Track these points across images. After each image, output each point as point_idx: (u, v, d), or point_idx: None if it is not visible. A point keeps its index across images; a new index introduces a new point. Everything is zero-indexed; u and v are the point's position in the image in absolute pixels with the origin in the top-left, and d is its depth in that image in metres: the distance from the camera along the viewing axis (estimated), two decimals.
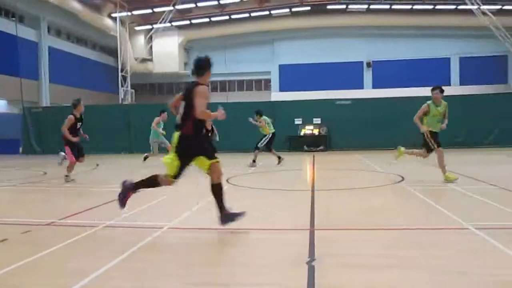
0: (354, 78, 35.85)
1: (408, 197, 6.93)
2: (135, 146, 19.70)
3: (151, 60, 36.69)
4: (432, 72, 34.38)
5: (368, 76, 36.45)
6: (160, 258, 3.87)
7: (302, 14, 34.60)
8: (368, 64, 36.03)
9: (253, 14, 34.52)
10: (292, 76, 35.79)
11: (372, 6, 33.35)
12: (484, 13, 30.32)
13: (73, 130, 9.25)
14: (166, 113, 12.89)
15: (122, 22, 32.00)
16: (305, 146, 20.02)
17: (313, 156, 16.55)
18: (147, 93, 38.99)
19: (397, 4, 32.97)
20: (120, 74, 31.45)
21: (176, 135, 4.76)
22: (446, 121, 8.32)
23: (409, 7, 33.19)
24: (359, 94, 28.51)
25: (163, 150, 12.98)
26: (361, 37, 35.61)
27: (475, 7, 29.82)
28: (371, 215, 5.66)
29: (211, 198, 4.78)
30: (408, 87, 31.72)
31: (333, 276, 3.29)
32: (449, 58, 35.60)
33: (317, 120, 20.50)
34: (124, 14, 31.59)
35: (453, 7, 32.60)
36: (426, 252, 3.84)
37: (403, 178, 8.83)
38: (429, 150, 8.28)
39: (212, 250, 4.27)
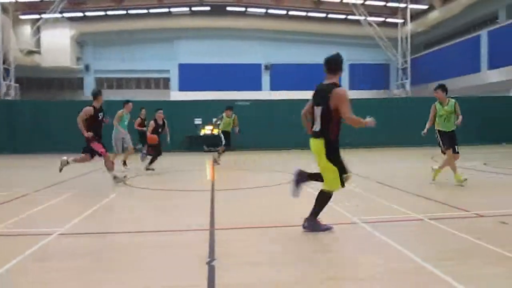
0: (253, 80, 36.70)
1: (303, 195, 7.25)
2: (20, 145, 18.08)
3: (39, 52, 33.81)
4: None
5: (266, 78, 37.54)
6: (50, 265, 3.59)
7: (202, 14, 34.52)
8: (267, 67, 37.10)
9: (152, 11, 33.56)
10: (192, 75, 35.52)
11: (270, 11, 34.45)
12: (370, 24, 33.11)
13: (94, 122, 8.19)
14: (131, 103, 11.58)
15: (4, 8, 29.08)
16: (204, 146, 19.98)
17: (213, 156, 16.57)
18: (35, 88, 35.90)
19: (293, 10, 34.47)
20: (1, 66, 28.55)
21: (319, 142, 4.45)
22: (460, 118, 7.84)
23: (304, 14, 34.93)
24: (258, 96, 29.34)
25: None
26: (260, 40, 36.58)
27: (362, 18, 32.42)
28: (269, 213, 5.84)
29: (103, 203, 4.54)
30: (305, 90, 33.28)
31: (233, 274, 3.32)
32: None
33: (217, 121, 20.58)
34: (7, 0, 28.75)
35: (343, 16, 35.00)
36: (320, 247, 4.06)
37: None
38: (453, 150, 7.84)
39: (108, 255, 4.05)
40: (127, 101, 11.75)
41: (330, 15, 35.24)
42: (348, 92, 4.69)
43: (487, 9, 29.63)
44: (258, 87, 36.65)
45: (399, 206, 5.78)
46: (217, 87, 33.21)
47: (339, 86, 4.54)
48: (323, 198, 4.62)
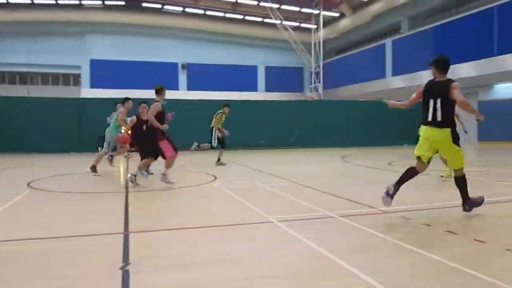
0: (169, 79, 36.03)
1: (221, 195, 7.26)
2: None
3: None
4: (242, 78, 37.07)
5: (183, 78, 37.06)
6: None
7: (116, 8, 33.20)
8: (183, 66, 36.64)
9: (60, 2, 31.55)
10: (105, 72, 33.91)
11: (187, 9, 34.08)
12: (285, 28, 34.11)
13: (161, 118, 7.96)
14: (131, 101, 10.97)
15: None
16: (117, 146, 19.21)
17: (126, 157, 15.99)
18: None
19: (211, 10, 34.43)
20: None
21: (444, 131, 5.06)
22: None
23: (222, 14, 35.04)
24: (174, 95, 28.83)
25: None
26: (177, 39, 36.04)
27: (278, 21, 33.30)
28: (185, 214, 5.77)
29: (6, 206, 4.17)
30: (221, 90, 33.45)
31: (149, 279, 3.22)
32: (256, 66, 38.78)
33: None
34: None
35: (260, 19, 35.69)
36: (238, 246, 4.09)
37: (215, 178, 9.23)
38: None
39: (10, 265, 3.72)
40: (127, 99, 11.05)
41: (247, 17, 35.77)
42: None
43: (392, 20, 31.91)
44: (174, 86, 36.04)
45: (312, 205, 6.01)
46: (132, 85, 32.11)
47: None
48: (462, 182, 5.28)
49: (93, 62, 34.64)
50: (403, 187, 5.29)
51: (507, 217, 5.43)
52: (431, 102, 5.17)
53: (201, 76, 36.02)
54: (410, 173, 5.36)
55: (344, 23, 34.96)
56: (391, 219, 5.19)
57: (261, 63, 38.80)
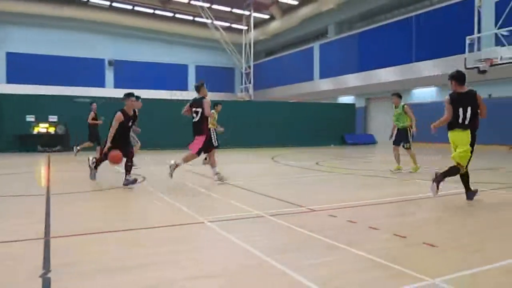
0: (95, 75, 34.57)
1: (150, 197, 7.09)
2: None
3: None
4: (173, 77, 36.49)
5: (110, 75, 35.70)
6: None
7: None
8: (110, 63, 35.31)
9: None
10: (25, 67, 31.72)
11: (114, 4, 32.85)
12: (216, 28, 34.05)
13: None
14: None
15: None
16: (39, 146, 18.11)
17: (49, 157, 15.14)
18: None
19: (140, 6, 33.45)
20: None
21: (466, 133, 6.16)
22: (410, 120, 10.25)
23: (151, 11, 34.18)
24: (100, 93, 27.70)
25: None
26: (104, 34, 34.65)
27: (209, 21, 33.13)
28: (111, 217, 5.57)
29: None
30: (151, 89, 32.65)
31: (72, 286, 3.07)
32: (187, 65, 38.33)
33: (53, 118, 18.75)
34: None
35: (191, 17, 35.29)
36: (169, 248, 4.01)
37: (144, 178, 9.00)
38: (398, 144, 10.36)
39: None
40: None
41: (177, 15, 35.19)
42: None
43: (320, 24, 33.01)
44: (100, 83, 34.65)
45: (243, 205, 6.05)
46: (54, 81, 30.43)
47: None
48: (454, 170, 6.24)
49: (10, 56, 32.29)
50: (332, 187, 5.49)
51: (424, 212, 5.83)
52: (461, 110, 6.24)
53: (130, 73, 34.92)
54: (453, 171, 6.28)
55: (274, 26, 35.61)
56: (319, 218, 5.36)
57: (192, 62, 38.41)
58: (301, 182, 9.04)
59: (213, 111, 12.75)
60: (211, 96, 9.34)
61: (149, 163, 12.45)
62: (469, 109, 6.16)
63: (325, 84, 30.46)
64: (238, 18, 35.52)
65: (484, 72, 16.21)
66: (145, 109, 11.50)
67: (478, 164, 10.31)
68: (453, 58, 19.83)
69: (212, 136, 12.08)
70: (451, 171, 6.26)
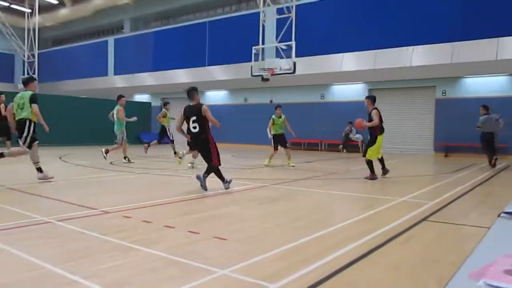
0: None
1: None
2: None
3: None
4: None
5: None
6: None
7: None
8: None
9: None
10: None
11: None
12: None
13: None
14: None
15: None
16: None
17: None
18: None
19: None
20: None
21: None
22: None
23: None
24: None
25: None
26: None
27: None
28: None
29: None
30: None
31: None
32: None
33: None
34: None
35: None
36: None
37: None
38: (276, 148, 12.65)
39: None
40: (121, 96, 13.35)
41: None
42: None
43: (115, 18, 31.84)
44: None
45: (25, 211, 5.41)
46: None
47: None
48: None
49: None
50: (127, 187, 5.35)
51: (215, 208, 6.21)
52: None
53: None
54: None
55: (64, 13, 32.83)
56: (113, 219, 5.18)
57: None
58: (93, 183, 8.57)
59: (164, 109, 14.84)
60: None
61: None
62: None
63: (119, 81, 29.51)
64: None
65: (267, 80, 18.19)
66: None
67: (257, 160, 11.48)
68: (241, 65, 21.68)
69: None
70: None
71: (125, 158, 12.89)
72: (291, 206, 6.39)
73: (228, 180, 7.58)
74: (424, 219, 5.42)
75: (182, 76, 25.64)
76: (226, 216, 5.65)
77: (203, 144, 7.44)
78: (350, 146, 20.29)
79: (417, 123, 19.97)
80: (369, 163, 9.64)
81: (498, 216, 3.30)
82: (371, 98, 9.82)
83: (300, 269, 3.38)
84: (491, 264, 1.86)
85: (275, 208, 6.25)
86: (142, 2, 29.25)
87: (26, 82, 8.41)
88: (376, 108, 9.61)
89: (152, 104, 28.61)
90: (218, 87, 25.79)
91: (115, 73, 30.22)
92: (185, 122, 7.53)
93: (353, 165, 13.35)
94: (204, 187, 7.29)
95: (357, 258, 3.70)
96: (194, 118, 7.30)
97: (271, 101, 23.07)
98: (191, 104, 7.46)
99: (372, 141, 9.61)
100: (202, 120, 7.31)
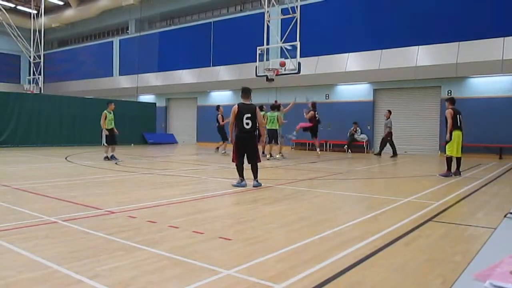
0: None
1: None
2: None
3: None
4: None
5: None
6: None
7: None
8: None
9: None
10: None
11: None
12: None
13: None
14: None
15: None
16: None
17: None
18: None
19: None
20: None
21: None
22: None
23: None
24: None
25: None
26: None
27: None
28: None
29: None
30: None
31: None
32: None
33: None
34: None
35: None
36: None
37: None
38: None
39: None
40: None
41: None
42: None
43: (120, 19, 31.94)
44: None
45: (33, 211, 5.44)
46: None
47: None
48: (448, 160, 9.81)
49: None
50: (132, 187, 5.37)
51: (220, 208, 6.22)
52: (460, 117, 10.00)
53: None
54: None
55: (70, 14, 32.97)
56: (118, 219, 5.19)
57: None
58: (99, 183, 8.59)
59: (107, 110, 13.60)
60: None
61: None
62: (461, 116, 9.89)
63: (125, 81, 29.60)
64: (26, 0, 31.61)
65: (271, 80, 18.17)
66: None
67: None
68: (246, 66, 21.67)
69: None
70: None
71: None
72: (295, 206, 6.38)
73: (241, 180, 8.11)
74: (430, 219, 5.39)
75: (187, 76, 25.68)
76: (230, 217, 5.65)
77: (252, 141, 8.16)
78: (355, 147, 20.22)
79: (422, 123, 19.86)
80: (448, 160, 10.09)
81: (505, 216, 3.28)
82: (448, 100, 10.45)
83: (305, 270, 3.38)
84: (497, 265, 1.85)
85: (279, 208, 6.24)
86: (147, 3, 29.32)
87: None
88: (450, 108, 10.16)
89: (157, 105, 28.69)
90: (223, 87, 25.80)
91: (120, 74, 30.32)
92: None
93: (357, 166, 13.31)
94: (259, 184, 7.99)
95: (362, 259, 3.69)
96: (249, 115, 8.01)
97: (275, 102, 23.04)
98: (245, 102, 8.18)
99: (448, 137, 10.08)
100: (255, 119, 8.07)
